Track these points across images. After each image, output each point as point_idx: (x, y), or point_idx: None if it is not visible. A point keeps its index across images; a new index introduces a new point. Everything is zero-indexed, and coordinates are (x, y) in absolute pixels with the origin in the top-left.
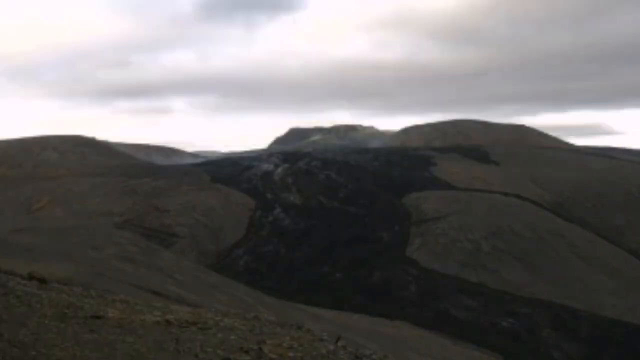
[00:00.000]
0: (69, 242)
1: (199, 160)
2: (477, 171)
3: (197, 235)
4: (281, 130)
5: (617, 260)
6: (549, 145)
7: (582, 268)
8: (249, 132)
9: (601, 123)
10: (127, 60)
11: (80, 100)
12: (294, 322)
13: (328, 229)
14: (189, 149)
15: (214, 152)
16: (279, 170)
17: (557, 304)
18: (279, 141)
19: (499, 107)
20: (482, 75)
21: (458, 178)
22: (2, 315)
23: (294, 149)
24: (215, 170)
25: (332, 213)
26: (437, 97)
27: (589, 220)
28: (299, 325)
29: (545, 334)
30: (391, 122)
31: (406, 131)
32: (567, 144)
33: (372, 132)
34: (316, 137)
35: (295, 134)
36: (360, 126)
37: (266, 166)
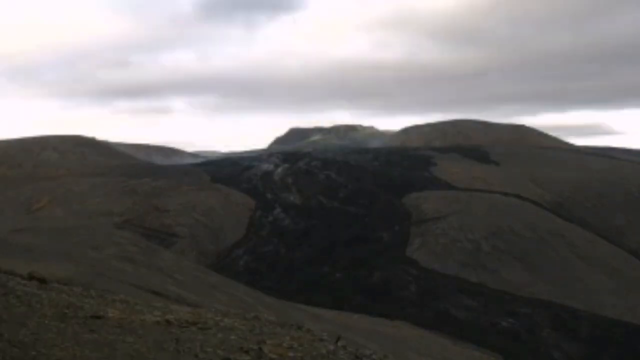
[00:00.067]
0: (69, 242)
1: (199, 160)
2: (477, 171)
3: (197, 235)
4: (281, 130)
5: (617, 260)
6: (549, 145)
7: (582, 268)
8: (249, 132)
9: (601, 123)
10: (127, 60)
11: (80, 100)
12: (294, 322)
13: (328, 229)
14: (189, 149)
15: (214, 152)
16: (279, 170)
17: (557, 304)
18: (279, 141)
19: (499, 107)
20: (482, 75)
21: (458, 178)
22: (2, 315)
23: (294, 149)
24: (215, 170)
25: (332, 213)
26: (437, 97)
27: (589, 220)
28: (299, 325)
29: (545, 334)
30: (391, 122)
31: (406, 131)
32: (567, 144)
33: (372, 132)
34: (316, 137)
35: (295, 134)
36: (360, 126)
37: (266, 166)
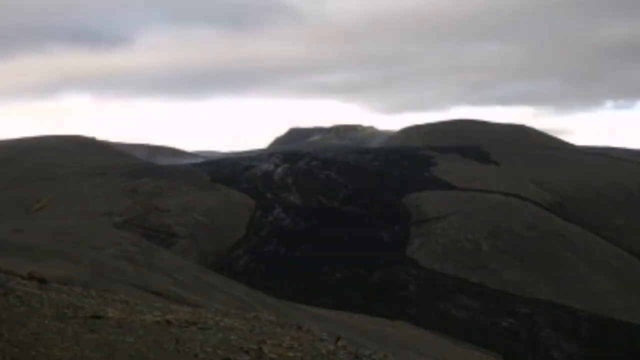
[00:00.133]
0: (69, 242)
1: (199, 160)
2: (477, 171)
3: (197, 235)
4: (281, 130)
5: (617, 260)
6: (549, 145)
7: (582, 268)
8: (249, 132)
9: (600, 123)
10: None
11: None
12: (294, 322)
13: (328, 229)
14: (189, 149)
15: (214, 152)
16: (279, 170)
17: (557, 304)
18: (279, 141)
19: (499, 107)
20: (482, 75)
21: (458, 178)
22: (2, 315)
23: (294, 149)
24: (215, 170)
25: (332, 213)
26: (438, 96)
27: (589, 220)
28: (299, 325)
29: (545, 334)
30: (391, 122)
31: (406, 131)
32: (567, 144)
33: (372, 132)
34: (316, 137)
35: (295, 134)
36: (360, 126)
37: (266, 166)
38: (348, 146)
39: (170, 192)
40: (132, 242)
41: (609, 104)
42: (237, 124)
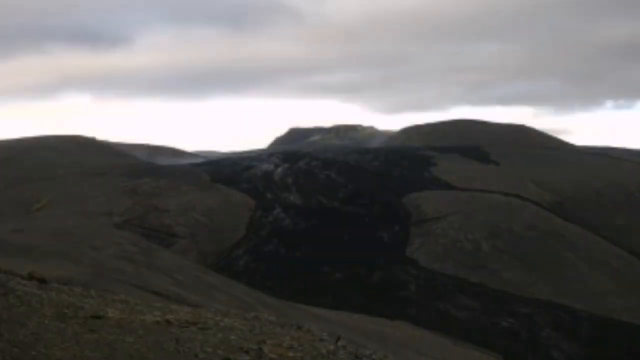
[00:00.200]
0: (69, 242)
1: (199, 160)
2: (477, 171)
3: (197, 235)
4: (281, 130)
5: (617, 260)
6: (549, 145)
7: (582, 268)
8: (249, 132)
9: (600, 123)
10: None
11: None
12: (294, 322)
13: (328, 229)
14: (189, 149)
15: (214, 152)
16: (279, 170)
17: (557, 304)
18: (279, 141)
19: (499, 107)
20: (482, 75)
21: (458, 178)
22: (2, 315)
23: (294, 149)
24: (215, 170)
25: (332, 213)
26: (438, 96)
27: (589, 220)
28: (299, 325)
29: (545, 334)
30: (391, 122)
31: (406, 131)
32: (567, 144)
33: (372, 132)
34: (316, 137)
35: (295, 134)
36: (360, 126)
37: (266, 166)
38: (348, 146)
39: (170, 192)
40: (132, 242)
41: (609, 104)
42: (237, 124)
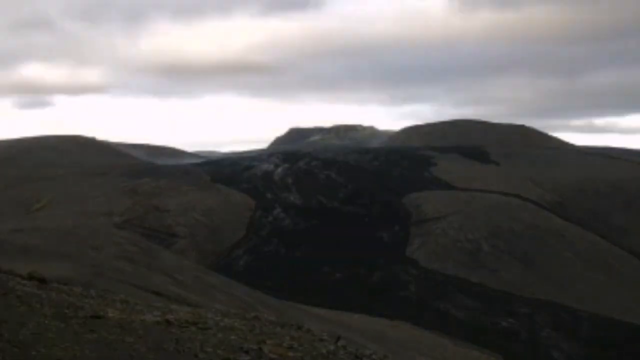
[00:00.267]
0: (69, 242)
1: (199, 160)
2: (477, 171)
3: (197, 235)
4: (281, 130)
5: (617, 260)
6: (549, 145)
7: (582, 268)
8: (249, 132)
9: (603, 123)
10: None
11: None
12: (294, 322)
13: (328, 229)
14: (189, 149)
15: (214, 152)
16: (279, 170)
17: (557, 304)
18: (279, 141)
19: (499, 107)
20: (482, 74)
21: (458, 178)
22: (2, 315)
23: (294, 149)
24: (215, 170)
25: (332, 213)
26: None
27: (589, 220)
28: (299, 325)
29: (545, 334)
30: (391, 122)
31: (406, 131)
32: (567, 144)
33: (372, 132)
34: (316, 137)
35: (295, 134)
36: (360, 126)
37: (266, 166)
38: (348, 146)
39: (170, 192)
40: (132, 242)
41: None
42: (236, 124)
